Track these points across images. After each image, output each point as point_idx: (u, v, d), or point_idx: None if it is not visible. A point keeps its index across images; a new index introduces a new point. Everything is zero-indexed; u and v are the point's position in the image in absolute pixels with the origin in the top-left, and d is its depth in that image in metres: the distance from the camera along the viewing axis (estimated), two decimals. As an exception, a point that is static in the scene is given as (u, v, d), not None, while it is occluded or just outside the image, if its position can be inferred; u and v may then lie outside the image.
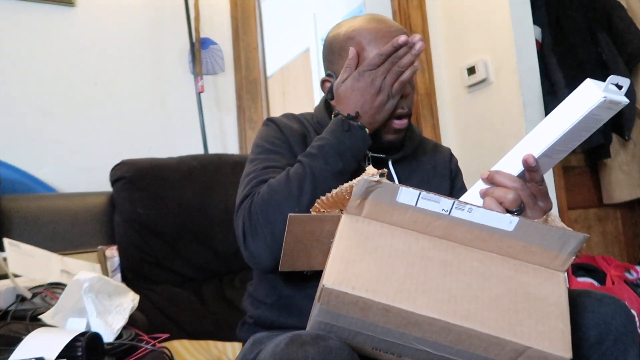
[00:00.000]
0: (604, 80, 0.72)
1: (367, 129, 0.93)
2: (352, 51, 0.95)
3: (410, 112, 1.01)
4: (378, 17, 1.02)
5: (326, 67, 1.06)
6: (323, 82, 1.06)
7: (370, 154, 1.02)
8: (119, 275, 1.33)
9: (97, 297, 0.87)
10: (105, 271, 1.27)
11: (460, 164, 1.18)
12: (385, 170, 0.79)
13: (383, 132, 1.00)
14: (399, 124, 0.99)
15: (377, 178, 0.67)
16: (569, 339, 0.64)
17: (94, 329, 0.83)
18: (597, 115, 0.74)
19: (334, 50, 1.02)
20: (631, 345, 0.80)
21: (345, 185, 0.74)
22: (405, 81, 0.92)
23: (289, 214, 0.75)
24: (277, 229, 0.86)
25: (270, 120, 1.06)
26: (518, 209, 0.78)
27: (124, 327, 0.87)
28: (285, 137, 1.02)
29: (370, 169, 0.76)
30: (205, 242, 1.47)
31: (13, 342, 0.74)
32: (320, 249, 0.77)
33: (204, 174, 1.51)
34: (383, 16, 1.03)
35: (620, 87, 0.73)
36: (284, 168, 0.95)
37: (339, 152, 0.90)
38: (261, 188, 0.92)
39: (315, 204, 0.78)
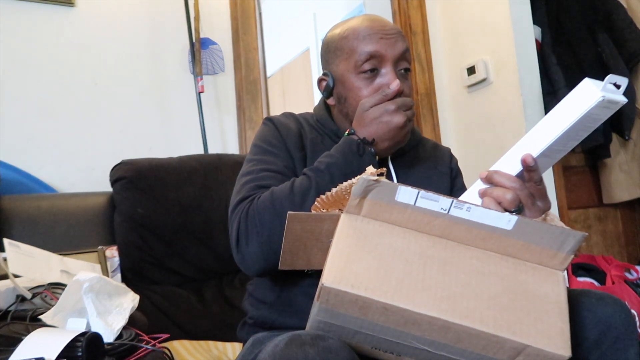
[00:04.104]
0: (603, 80, 0.73)
1: (376, 157, 0.94)
2: (396, 84, 0.95)
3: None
4: (373, 16, 1.02)
5: (323, 66, 1.07)
6: (320, 80, 1.07)
7: None
8: (119, 275, 1.33)
9: (97, 297, 0.87)
10: (105, 271, 1.27)
11: (460, 164, 1.18)
12: (384, 169, 0.79)
13: None
14: None
15: (375, 177, 0.67)
16: (568, 337, 0.64)
17: (94, 329, 0.83)
18: (595, 114, 0.74)
19: (330, 50, 1.03)
20: (631, 345, 0.80)
21: (345, 184, 0.74)
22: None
23: (289, 212, 0.75)
24: (274, 235, 0.87)
25: (269, 120, 1.07)
26: (517, 209, 0.78)
27: (124, 327, 0.87)
28: (282, 138, 1.03)
29: (370, 168, 0.76)
30: (205, 242, 1.47)
31: (13, 342, 0.73)
32: (320, 247, 0.78)
33: (204, 174, 1.52)
34: (379, 16, 1.03)
35: (618, 87, 0.73)
36: (280, 171, 0.97)
37: (345, 173, 0.90)
38: (258, 192, 0.93)
39: (316, 203, 0.78)
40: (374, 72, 0.97)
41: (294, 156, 1.01)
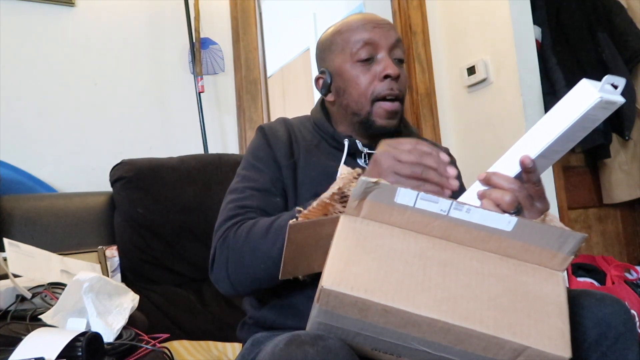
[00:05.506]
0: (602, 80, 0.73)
1: None
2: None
3: (401, 95, 1.01)
4: (365, 12, 1.04)
5: (319, 65, 1.09)
6: (317, 79, 1.08)
7: (365, 150, 1.03)
8: (119, 275, 1.33)
9: (97, 297, 0.87)
10: (105, 271, 1.27)
11: (460, 164, 1.18)
12: (359, 170, 0.79)
13: (374, 117, 1.00)
14: (390, 106, 1.00)
15: (375, 180, 0.67)
16: (568, 338, 0.64)
17: (94, 329, 0.83)
18: (593, 115, 0.73)
19: (325, 48, 1.06)
20: (631, 345, 0.80)
21: (324, 194, 0.75)
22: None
23: (289, 223, 0.75)
24: (244, 269, 0.89)
25: (260, 129, 1.08)
26: (515, 211, 0.78)
27: (124, 327, 0.87)
28: (271, 148, 1.03)
29: (344, 169, 0.76)
30: (205, 242, 1.47)
31: (13, 342, 0.73)
32: (321, 251, 0.77)
33: (204, 174, 1.52)
34: (372, 13, 1.07)
35: (616, 87, 0.73)
36: (263, 188, 0.98)
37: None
38: (240, 215, 0.94)
39: (299, 218, 0.77)
40: (370, 60, 1.00)
41: (281, 164, 1.01)
